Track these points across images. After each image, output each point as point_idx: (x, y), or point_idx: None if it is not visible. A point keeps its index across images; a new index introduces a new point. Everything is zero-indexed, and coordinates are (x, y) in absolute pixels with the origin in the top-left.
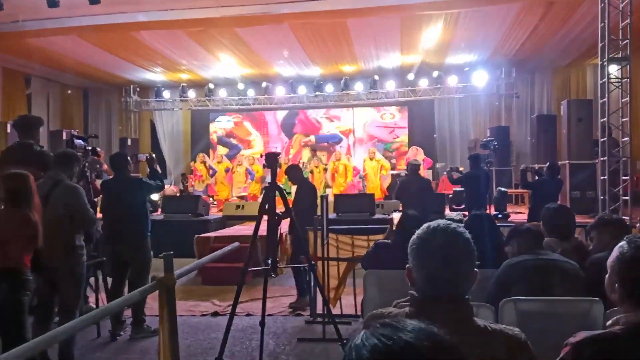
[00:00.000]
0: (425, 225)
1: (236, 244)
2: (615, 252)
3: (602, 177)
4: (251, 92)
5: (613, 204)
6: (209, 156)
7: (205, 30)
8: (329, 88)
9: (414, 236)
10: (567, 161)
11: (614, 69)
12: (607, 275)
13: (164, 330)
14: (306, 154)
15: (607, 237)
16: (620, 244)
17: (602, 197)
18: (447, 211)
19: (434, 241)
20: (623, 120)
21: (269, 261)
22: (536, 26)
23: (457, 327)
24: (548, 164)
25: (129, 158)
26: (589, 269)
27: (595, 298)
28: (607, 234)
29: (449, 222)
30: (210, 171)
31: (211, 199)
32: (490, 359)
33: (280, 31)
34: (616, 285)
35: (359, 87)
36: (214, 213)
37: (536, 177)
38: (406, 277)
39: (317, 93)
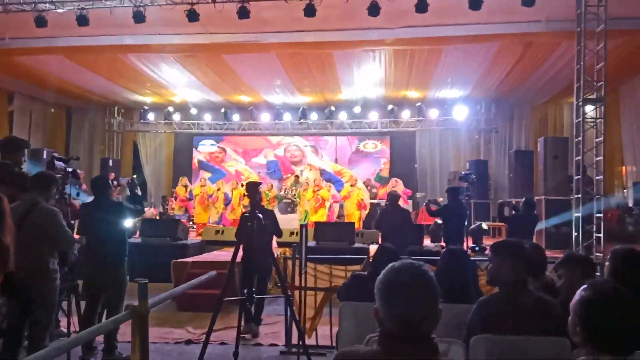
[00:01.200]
0: (389, 266)
1: (213, 272)
2: (577, 295)
3: (576, 214)
4: (236, 117)
5: (586, 241)
6: (190, 180)
7: (192, 55)
8: (314, 116)
9: (380, 276)
10: (543, 196)
11: (589, 109)
12: (569, 318)
13: (135, 358)
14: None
15: (575, 275)
16: (583, 287)
17: (575, 234)
18: (427, 242)
19: (398, 282)
20: (597, 159)
21: (245, 291)
22: (515, 64)
23: None
24: (524, 199)
25: (110, 181)
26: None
27: (563, 338)
28: (574, 272)
29: (413, 262)
30: (188, 195)
31: (191, 223)
32: None
33: (267, 59)
34: (578, 327)
35: (342, 116)
36: (193, 237)
37: (513, 212)
38: (374, 316)
39: (302, 121)
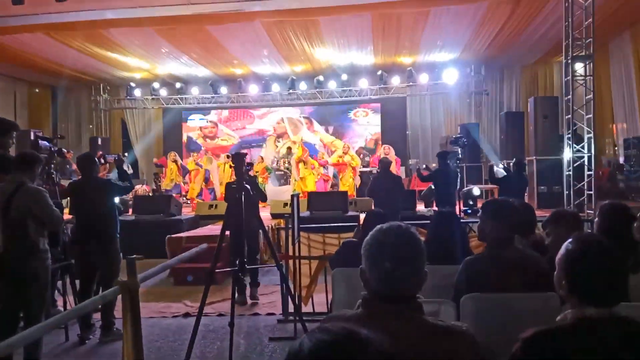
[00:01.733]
0: (377, 227)
1: (204, 245)
2: (562, 249)
3: (567, 173)
4: (224, 90)
5: (578, 199)
6: (181, 156)
7: (175, 27)
8: (302, 86)
9: (367, 237)
10: (534, 157)
11: (578, 67)
12: (555, 272)
13: (127, 333)
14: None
15: (562, 232)
16: (569, 240)
17: (567, 192)
18: (420, 207)
19: (385, 241)
20: (587, 117)
21: (237, 261)
22: (504, 25)
23: (406, 325)
24: (514, 160)
25: (96, 159)
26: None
27: (551, 292)
28: (562, 228)
29: (400, 223)
30: (182, 170)
31: (184, 198)
32: (439, 354)
33: (252, 29)
34: (563, 281)
35: (332, 85)
36: (187, 213)
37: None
38: (360, 277)
39: (291, 91)
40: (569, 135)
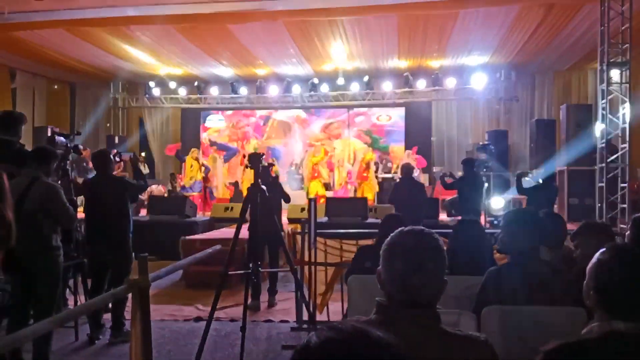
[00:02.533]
0: (398, 229)
1: (217, 246)
2: (594, 258)
3: (599, 184)
4: (244, 91)
5: (611, 212)
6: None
7: (196, 26)
8: (324, 88)
9: (387, 239)
10: (566, 167)
11: (614, 74)
12: (585, 282)
13: (136, 333)
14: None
15: (592, 244)
16: (601, 250)
17: (599, 205)
18: (442, 216)
19: (402, 243)
20: (622, 126)
21: (250, 265)
22: (536, 29)
23: (421, 332)
24: (544, 170)
25: (111, 157)
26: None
27: (578, 307)
28: (592, 240)
29: (423, 228)
30: (203, 168)
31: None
32: None
33: (274, 28)
34: (591, 292)
35: (355, 87)
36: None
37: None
38: (377, 279)
39: (312, 93)
40: (603, 145)
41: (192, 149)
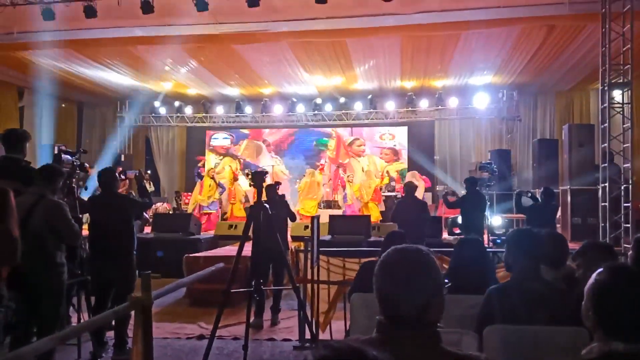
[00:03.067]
0: (392, 247)
1: (220, 264)
2: (592, 278)
3: (602, 204)
4: (249, 110)
5: (614, 232)
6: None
7: (203, 46)
8: (328, 107)
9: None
10: (568, 186)
11: (616, 94)
12: (583, 302)
13: (137, 351)
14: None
15: (593, 264)
16: (599, 270)
17: (602, 224)
18: (445, 235)
19: (388, 260)
20: (624, 145)
21: (253, 283)
22: (538, 49)
23: (420, 352)
24: (543, 188)
25: (117, 174)
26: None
27: (580, 327)
28: (594, 260)
29: (417, 246)
30: (219, 189)
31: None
32: None
33: (279, 49)
34: (590, 312)
35: (358, 106)
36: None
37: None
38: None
39: (316, 112)
40: (605, 165)
41: (209, 169)
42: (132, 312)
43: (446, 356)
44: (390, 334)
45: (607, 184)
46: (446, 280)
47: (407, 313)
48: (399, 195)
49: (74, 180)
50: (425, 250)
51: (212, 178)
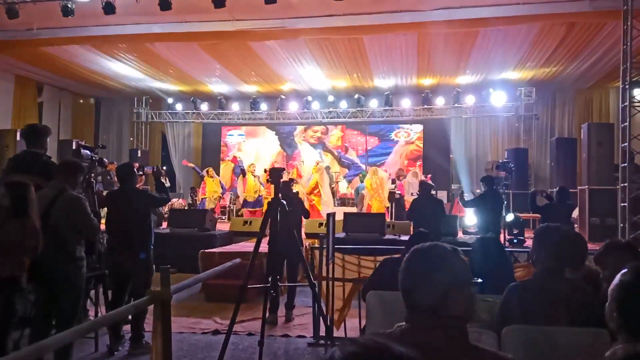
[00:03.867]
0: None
1: (237, 260)
2: (616, 279)
3: (622, 204)
4: (264, 107)
5: (633, 232)
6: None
7: (219, 43)
8: (343, 104)
9: None
10: (587, 186)
11: (636, 92)
12: (607, 303)
13: (157, 345)
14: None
15: (620, 262)
16: (623, 270)
17: (621, 225)
18: (461, 234)
19: (410, 256)
20: None
21: (270, 278)
22: (557, 47)
23: (444, 343)
24: (558, 188)
25: (135, 170)
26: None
27: (602, 329)
28: (620, 259)
29: (438, 243)
30: (221, 190)
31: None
32: None
33: (295, 46)
34: (614, 313)
35: (373, 104)
36: (222, 228)
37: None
38: None
39: (332, 109)
40: (625, 165)
41: (208, 168)
42: (150, 307)
43: (473, 351)
44: (412, 325)
45: (626, 184)
46: (478, 280)
47: (424, 303)
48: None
49: (92, 174)
50: (445, 245)
51: (212, 177)
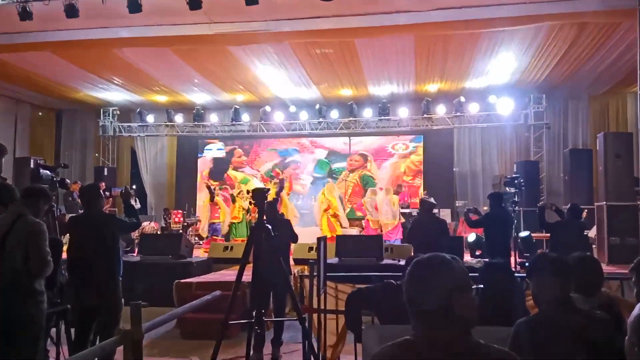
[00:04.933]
0: None
1: (217, 292)
2: (636, 310)
3: None
4: (246, 118)
5: None
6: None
7: (195, 49)
8: (334, 114)
9: None
10: (605, 202)
11: None
12: (627, 337)
13: None
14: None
15: None
16: None
17: None
18: (467, 257)
19: (412, 267)
20: None
21: (254, 312)
22: (568, 49)
23: (454, 341)
24: (569, 205)
25: (101, 191)
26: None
27: None
28: None
29: (438, 253)
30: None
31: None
32: None
33: (280, 51)
34: (636, 348)
35: (367, 113)
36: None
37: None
38: None
39: (321, 120)
40: None
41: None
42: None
43: (477, 347)
44: (419, 331)
45: None
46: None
47: (430, 307)
48: (414, 213)
49: (53, 198)
50: (445, 254)
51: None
